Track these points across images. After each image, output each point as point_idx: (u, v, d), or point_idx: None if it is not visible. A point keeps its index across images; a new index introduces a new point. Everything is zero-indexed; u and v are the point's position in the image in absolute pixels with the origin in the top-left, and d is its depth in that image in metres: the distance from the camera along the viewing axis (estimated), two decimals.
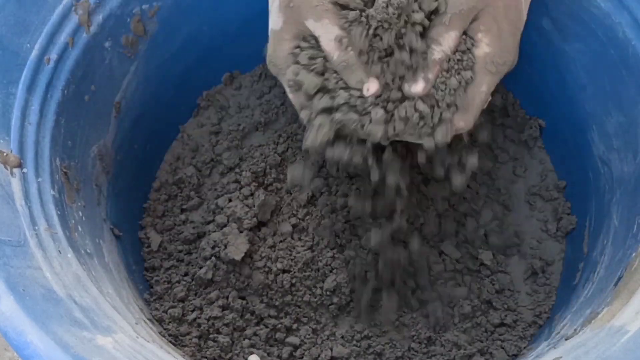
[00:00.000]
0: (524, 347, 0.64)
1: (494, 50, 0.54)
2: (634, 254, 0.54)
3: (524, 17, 0.55)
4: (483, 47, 0.54)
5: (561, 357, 0.47)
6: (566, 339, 0.51)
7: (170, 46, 0.70)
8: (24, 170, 0.54)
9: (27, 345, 0.43)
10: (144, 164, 0.73)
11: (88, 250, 0.57)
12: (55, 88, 0.58)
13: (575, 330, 0.52)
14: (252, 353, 0.62)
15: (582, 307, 0.57)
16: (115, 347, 0.47)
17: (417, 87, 0.53)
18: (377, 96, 0.53)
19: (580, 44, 0.64)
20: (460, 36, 0.54)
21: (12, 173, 0.53)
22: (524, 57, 0.70)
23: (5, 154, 0.53)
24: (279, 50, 0.57)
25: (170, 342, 0.62)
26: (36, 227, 0.51)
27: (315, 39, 0.55)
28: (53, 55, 0.57)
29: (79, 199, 0.59)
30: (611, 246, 0.60)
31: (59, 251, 0.52)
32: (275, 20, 0.56)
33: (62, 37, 0.58)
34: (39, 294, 0.47)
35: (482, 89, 0.55)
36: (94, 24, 0.61)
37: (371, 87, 0.53)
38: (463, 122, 0.55)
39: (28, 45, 0.56)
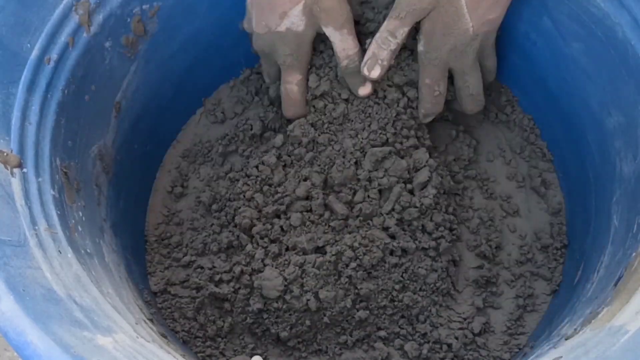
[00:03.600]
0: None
1: (426, 49, 0.65)
2: (634, 254, 0.54)
3: (466, 22, 0.62)
4: (419, 46, 0.65)
5: (561, 357, 0.47)
6: (566, 339, 0.51)
7: (170, 46, 0.70)
8: (24, 170, 0.54)
9: (27, 345, 0.43)
10: (144, 164, 0.73)
11: (88, 250, 0.57)
12: (55, 88, 0.58)
13: (575, 330, 0.52)
14: (255, 354, 0.62)
15: (582, 307, 0.57)
16: (115, 347, 0.47)
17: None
18: None
19: (580, 44, 0.64)
20: (410, 31, 0.64)
21: (12, 173, 0.53)
22: (524, 56, 0.71)
23: (5, 154, 0.53)
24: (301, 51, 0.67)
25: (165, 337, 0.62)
26: (36, 227, 0.51)
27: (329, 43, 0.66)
28: (53, 55, 0.57)
29: (79, 199, 0.59)
30: (611, 246, 0.60)
31: (59, 251, 0.52)
32: (296, 23, 0.64)
33: (63, 37, 0.58)
34: (39, 294, 0.47)
35: (424, 80, 0.66)
36: (94, 24, 0.61)
37: (367, 89, 0.67)
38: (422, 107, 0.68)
39: (28, 45, 0.56)
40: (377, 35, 0.64)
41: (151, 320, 0.61)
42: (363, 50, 0.66)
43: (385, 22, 0.64)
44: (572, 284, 0.65)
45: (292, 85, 0.68)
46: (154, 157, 0.75)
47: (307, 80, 0.68)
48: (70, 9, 0.59)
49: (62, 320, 0.46)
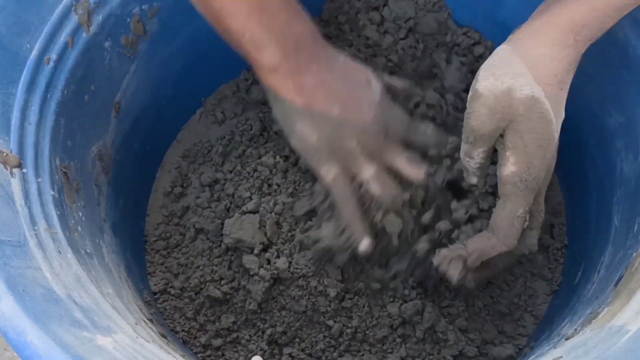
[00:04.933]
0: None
1: (520, 169, 0.53)
2: (634, 254, 0.54)
3: (554, 127, 0.53)
4: (509, 167, 0.53)
5: (561, 357, 0.47)
6: (566, 339, 0.51)
7: (170, 46, 0.69)
8: (24, 170, 0.53)
9: (27, 345, 0.43)
10: (144, 164, 0.73)
11: (88, 251, 0.57)
12: (55, 88, 0.58)
13: (575, 330, 0.52)
14: (255, 355, 0.62)
15: (583, 307, 0.57)
16: (115, 347, 0.47)
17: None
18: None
19: None
20: (490, 149, 0.55)
21: (12, 173, 0.52)
22: None
23: (5, 154, 0.53)
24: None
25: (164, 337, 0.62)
26: (36, 227, 0.51)
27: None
28: (53, 55, 0.57)
29: (79, 199, 0.59)
30: (611, 246, 0.60)
31: (59, 251, 0.52)
32: (327, 170, 0.60)
33: (62, 37, 0.58)
34: (39, 294, 0.47)
35: (513, 210, 0.54)
36: (94, 24, 0.60)
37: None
38: (504, 246, 0.56)
39: (28, 45, 0.56)
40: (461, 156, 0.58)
41: (151, 320, 0.61)
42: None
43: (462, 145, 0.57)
44: (572, 284, 0.65)
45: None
46: (154, 157, 0.75)
47: None
48: (70, 9, 0.59)
49: (62, 321, 0.46)
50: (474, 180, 0.58)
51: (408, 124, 0.63)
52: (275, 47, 0.56)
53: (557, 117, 0.53)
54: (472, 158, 0.56)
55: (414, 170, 0.62)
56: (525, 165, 0.53)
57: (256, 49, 0.56)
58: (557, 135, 0.54)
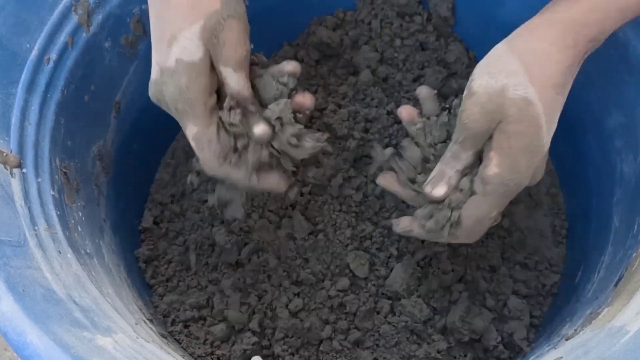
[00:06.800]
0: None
1: (502, 171, 0.51)
2: (634, 254, 0.54)
3: (544, 134, 0.51)
4: (492, 167, 0.51)
5: (561, 357, 0.47)
6: (566, 339, 0.51)
7: None
8: (24, 170, 0.54)
9: (27, 345, 0.43)
10: (144, 164, 0.73)
11: (88, 251, 0.57)
12: (55, 88, 0.58)
13: (575, 330, 0.52)
14: (254, 354, 0.62)
15: (583, 307, 0.57)
16: (115, 348, 0.47)
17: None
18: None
19: None
20: (476, 153, 0.53)
21: (12, 173, 0.52)
22: None
23: (5, 154, 0.53)
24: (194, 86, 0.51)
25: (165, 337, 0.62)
26: (36, 227, 0.51)
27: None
28: (53, 55, 0.57)
29: (79, 199, 0.59)
30: (611, 246, 0.60)
31: (59, 251, 0.52)
32: (192, 51, 0.50)
33: (62, 37, 0.58)
34: (39, 294, 0.47)
35: (487, 210, 0.53)
36: (94, 24, 0.61)
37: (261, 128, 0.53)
38: (467, 239, 0.56)
39: (28, 45, 0.56)
40: (443, 156, 0.55)
41: (151, 320, 0.61)
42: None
43: (450, 144, 0.55)
44: (572, 284, 0.65)
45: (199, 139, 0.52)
46: (154, 157, 0.75)
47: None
48: (70, 9, 0.59)
49: (62, 321, 0.46)
50: (441, 191, 0.54)
51: (179, 114, 0.52)
52: None
53: (548, 124, 0.50)
54: (458, 161, 0.54)
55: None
56: (508, 168, 0.51)
57: None
58: (547, 143, 0.51)
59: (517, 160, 0.51)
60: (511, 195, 0.53)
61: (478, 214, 0.53)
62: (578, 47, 0.50)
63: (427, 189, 0.55)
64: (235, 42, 0.51)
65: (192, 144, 0.52)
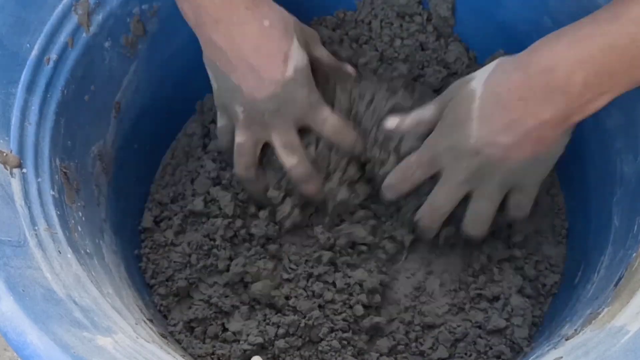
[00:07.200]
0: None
1: (432, 132, 0.61)
2: (634, 254, 0.54)
3: (470, 129, 0.57)
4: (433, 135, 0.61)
5: (561, 357, 0.47)
6: (566, 339, 0.51)
7: (170, 46, 0.69)
8: (24, 170, 0.53)
9: (27, 345, 0.43)
10: (144, 164, 0.73)
11: (88, 251, 0.57)
12: (55, 88, 0.58)
13: (575, 330, 0.52)
14: (255, 354, 0.62)
15: (583, 307, 0.57)
16: (115, 348, 0.47)
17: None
18: None
19: None
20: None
21: (12, 173, 0.52)
22: None
23: (5, 154, 0.53)
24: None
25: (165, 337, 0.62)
26: (36, 227, 0.51)
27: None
28: (53, 55, 0.57)
29: (79, 199, 0.59)
30: (611, 246, 0.60)
31: (59, 251, 0.52)
32: (301, 58, 0.61)
33: (62, 37, 0.58)
34: (39, 294, 0.47)
35: (410, 157, 0.62)
36: (94, 24, 0.61)
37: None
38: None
39: (28, 45, 0.56)
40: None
41: (151, 320, 0.61)
42: None
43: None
44: (572, 284, 0.65)
45: (329, 123, 0.63)
46: (154, 157, 0.75)
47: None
48: (70, 9, 0.59)
49: (62, 321, 0.46)
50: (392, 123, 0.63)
51: (309, 111, 0.62)
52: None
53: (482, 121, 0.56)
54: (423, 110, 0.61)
55: (283, 157, 0.63)
56: (434, 132, 0.60)
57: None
58: (477, 139, 0.56)
59: (442, 129, 0.59)
60: (428, 156, 0.60)
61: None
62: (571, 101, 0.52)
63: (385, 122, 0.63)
64: (316, 38, 0.65)
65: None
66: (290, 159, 0.63)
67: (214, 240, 0.68)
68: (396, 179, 0.63)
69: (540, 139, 0.54)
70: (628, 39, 0.48)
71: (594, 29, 0.50)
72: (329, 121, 0.63)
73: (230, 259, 0.67)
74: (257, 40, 0.59)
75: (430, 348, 0.64)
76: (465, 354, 0.64)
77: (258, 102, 0.60)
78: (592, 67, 0.50)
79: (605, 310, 0.50)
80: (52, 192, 0.55)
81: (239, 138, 0.64)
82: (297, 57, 0.60)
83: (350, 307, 0.65)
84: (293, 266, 0.67)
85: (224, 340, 0.65)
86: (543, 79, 0.52)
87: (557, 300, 0.67)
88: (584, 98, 0.51)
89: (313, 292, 0.65)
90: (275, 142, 0.63)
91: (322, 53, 0.65)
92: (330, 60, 0.66)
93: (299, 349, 0.64)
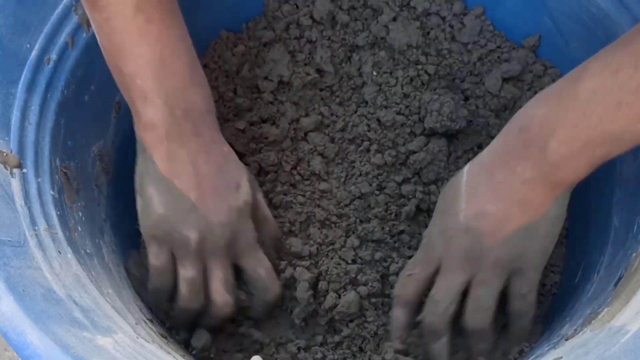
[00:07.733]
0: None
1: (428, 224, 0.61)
2: (634, 255, 0.54)
3: (460, 204, 0.56)
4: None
5: (561, 357, 0.47)
6: (566, 339, 0.51)
7: None
8: (24, 170, 0.54)
9: (27, 345, 0.43)
10: None
11: (88, 251, 0.57)
12: (55, 88, 0.58)
13: (575, 330, 0.52)
14: (256, 353, 0.62)
15: (582, 307, 0.57)
16: (115, 348, 0.47)
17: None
18: None
19: (580, 44, 0.64)
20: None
21: (12, 173, 0.53)
22: None
23: (5, 154, 0.53)
24: None
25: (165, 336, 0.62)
26: (36, 228, 0.51)
27: None
28: (53, 56, 0.57)
29: (79, 199, 0.59)
30: (611, 246, 0.60)
31: (59, 251, 0.52)
32: (247, 192, 0.60)
33: (62, 37, 0.58)
34: (39, 294, 0.47)
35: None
36: None
37: None
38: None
39: (28, 45, 0.56)
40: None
41: (151, 320, 0.61)
42: None
43: None
44: (572, 284, 0.65)
45: (262, 269, 0.60)
46: None
47: None
48: (70, 9, 0.59)
49: (62, 321, 0.46)
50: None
51: (248, 248, 0.60)
52: (162, 105, 0.54)
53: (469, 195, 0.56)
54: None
55: (219, 294, 0.59)
56: (430, 223, 0.60)
57: (142, 100, 0.54)
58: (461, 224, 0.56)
59: (435, 218, 0.59)
60: (424, 250, 0.59)
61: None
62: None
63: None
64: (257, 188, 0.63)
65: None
66: (226, 297, 0.59)
67: None
68: (398, 286, 0.61)
69: (528, 204, 0.53)
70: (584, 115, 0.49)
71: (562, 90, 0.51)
72: (262, 263, 0.60)
73: None
74: (221, 162, 0.58)
75: None
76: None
77: (215, 227, 0.56)
78: (562, 130, 0.50)
79: (605, 310, 0.50)
80: (52, 192, 0.55)
81: (190, 272, 0.58)
82: (245, 190, 0.59)
83: None
84: None
85: (224, 341, 0.65)
86: (520, 137, 0.52)
87: (557, 300, 0.67)
88: (558, 154, 0.50)
89: None
90: (214, 276, 0.58)
91: (261, 199, 0.63)
92: (265, 211, 0.63)
93: (299, 348, 0.64)
